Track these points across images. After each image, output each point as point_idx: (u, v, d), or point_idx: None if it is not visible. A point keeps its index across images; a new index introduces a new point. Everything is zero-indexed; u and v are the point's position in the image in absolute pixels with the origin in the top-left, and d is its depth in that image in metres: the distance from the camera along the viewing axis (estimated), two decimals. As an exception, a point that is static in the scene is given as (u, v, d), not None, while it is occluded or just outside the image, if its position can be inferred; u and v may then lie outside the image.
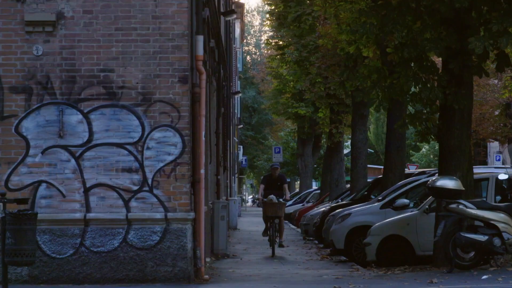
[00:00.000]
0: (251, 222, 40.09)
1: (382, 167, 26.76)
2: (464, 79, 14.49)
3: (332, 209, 21.78)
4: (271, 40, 36.98)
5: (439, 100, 14.61)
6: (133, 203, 13.15)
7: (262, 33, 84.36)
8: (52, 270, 13.05)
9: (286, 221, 42.10)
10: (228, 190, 34.49)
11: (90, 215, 13.13)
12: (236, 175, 54.70)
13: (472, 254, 13.77)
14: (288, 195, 20.87)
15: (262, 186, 20.68)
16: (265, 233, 20.54)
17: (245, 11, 67.71)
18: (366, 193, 22.52)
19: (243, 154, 65.11)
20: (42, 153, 13.18)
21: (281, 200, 19.95)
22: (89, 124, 13.21)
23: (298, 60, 30.18)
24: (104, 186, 13.17)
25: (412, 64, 14.89)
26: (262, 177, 22.14)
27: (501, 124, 35.96)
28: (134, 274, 13.01)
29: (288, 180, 22.50)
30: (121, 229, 13.11)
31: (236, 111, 51.77)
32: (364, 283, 12.97)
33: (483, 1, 14.03)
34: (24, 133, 13.19)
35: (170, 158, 13.21)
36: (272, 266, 16.80)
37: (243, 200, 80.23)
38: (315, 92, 31.18)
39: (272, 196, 19.66)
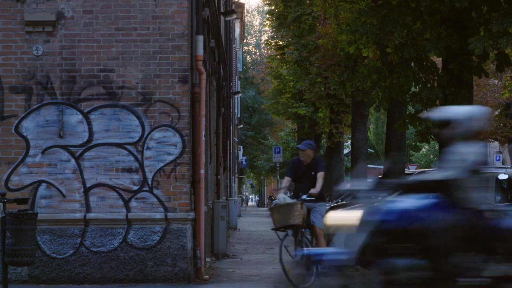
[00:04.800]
0: (251, 222, 40.11)
1: (382, 167, 26.76)
2: (464, 79, 14.49)
3: (332, 209, 21.75)
4: (271, 41, 36.99)
5: (439, 100, 14.61)
6: (133, 203, 13.16)
7: (262, 33, 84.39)
8: (52, 270, 13.05)
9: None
10: (228, 190, 34.49)
11: (90, 215, 13.13)
12: (236, 175, 54.68)
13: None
14: (318, 186, 12.84)
15: (286, 180, 13.25)
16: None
17: (245, 11, 67.68)
18: (366, 193, 22.45)
19: (243, 154, 65.11)
20: (42, 153, 13.19)
21: (304, 197, 12.72)
22: (89, 124, 13.22)
23: (298, 60, 30.20)
24: (104, 186, 13.18)
25: (412, 64, 14.89)
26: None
27: (501, 124, 35.96)
28: (134, 274, 13.01)
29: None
30: (121, 229, 13.11)
31: (236, 111, 51.76)
32: (364, 283, 12.95)
33: (483, 1, 14.03)
34: (24, 133, 13.20)
35: (170, 158, 13.22)
36: (272, 266, 16.80)
37: (243, 200, 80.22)
38: (315, 92, 31.20)
39: (281, 196, 12.69)
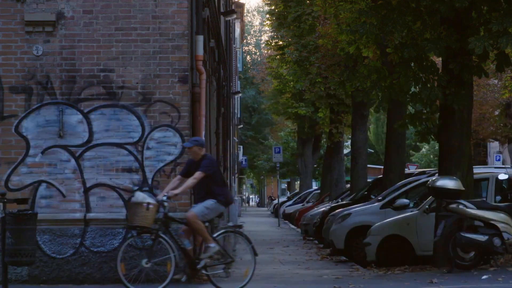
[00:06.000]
0: (251, 222, 40.09)
1: (382, 167, 26.76)
2: (464, 79, 14.48)
3: (332, 209, 21.76)
4: (271, 41, 36.98)
5: (439, 100, 14.61)
6: (133, 203, 13.13)
7: (262, 33, 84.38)
8: (52, 270, 13.05)
9: (286, 221, 42.00)
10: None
11: (90, 215, 13.13)
12: (236, 175, 54.69)
13: (472, 254, 13.76)
14: (182, 187, 12.03)
15: (176, 178, 12.32)
16: None
17: (245, 11, 67.67)
18: (366, 193, 22.52)
19: (243, 154, 65.10)
20: (42, 153, 13.19)
21: (162, 198, 11.80)
22: (89, 124, 13.22)
23: (298, 60, 30.18)
24: (104, 186, 13.17)
25: (412, 64, 14.88)
26: None
27: (501, 124, 35.97)
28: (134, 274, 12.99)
29: (203, 167, 12.03)
30: (121, 229, 13.10)
31: (236, 111, 51.75)
32: (364, 283, 12.97)
33: (483, 1, 14.03)
34: (24, 133, 13.20)
35: (170, 158, 13.22)
36: (272, 266, 16.80)
37: (244, 200, 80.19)
38: (315, 92, 31.20)
39: (141, 194, 11.83)
